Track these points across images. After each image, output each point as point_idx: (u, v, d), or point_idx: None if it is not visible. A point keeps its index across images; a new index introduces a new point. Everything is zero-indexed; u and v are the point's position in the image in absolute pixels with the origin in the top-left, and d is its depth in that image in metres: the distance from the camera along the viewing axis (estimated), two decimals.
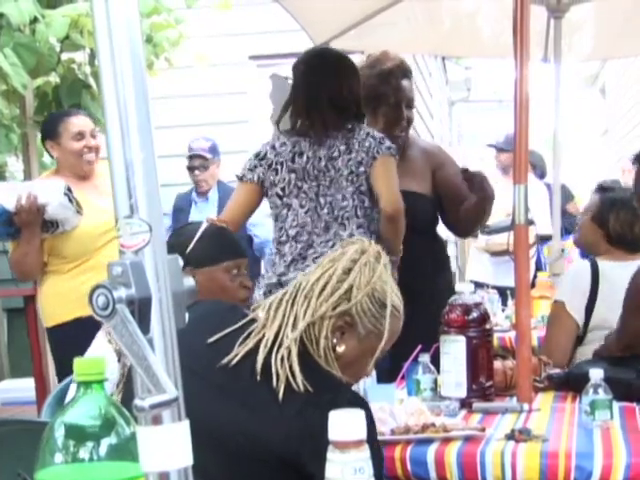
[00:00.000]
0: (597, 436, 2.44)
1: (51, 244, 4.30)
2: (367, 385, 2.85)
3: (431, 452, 2.34)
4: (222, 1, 6.59)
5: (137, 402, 1.02)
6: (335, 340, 2.12)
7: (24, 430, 2.05)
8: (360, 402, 2.09)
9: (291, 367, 2.02)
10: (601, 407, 2.51)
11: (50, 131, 4.49)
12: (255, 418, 2.00)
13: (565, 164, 6.75)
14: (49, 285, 4.35)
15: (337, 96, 3.65)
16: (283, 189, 3.64)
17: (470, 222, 4.11)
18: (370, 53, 4.05)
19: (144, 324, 1.05)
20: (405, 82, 3.96)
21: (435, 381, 2.92)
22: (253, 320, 2.16)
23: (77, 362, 1.25)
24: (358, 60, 4.05)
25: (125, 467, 1.20)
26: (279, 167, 3.64)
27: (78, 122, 4.45)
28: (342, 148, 3.63)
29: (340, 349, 2.13)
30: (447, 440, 2.39)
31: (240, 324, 2.16)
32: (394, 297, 2.19)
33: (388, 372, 3.12)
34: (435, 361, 2.95)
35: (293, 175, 3.64)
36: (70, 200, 4.16)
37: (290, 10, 4.85)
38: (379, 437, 2.36)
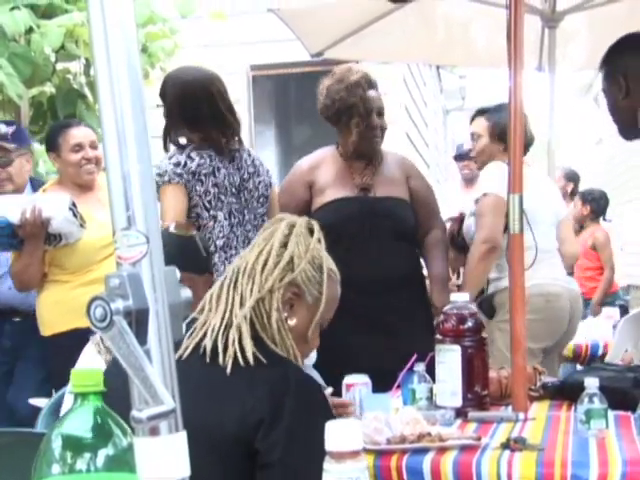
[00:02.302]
0: (592, 445, 2.44)
1: (52, 255, 4.30)
2: (362, 394, 2.85)
3: (427, 461, 2.34)
4: (217, 11, 6.60)
5: (135, 413, 1.03)
6: (286, 313, 2.15)
7: (20, 441, 2.05)
8: (311, 381, 2.12)
9: (241, 343, 2.04)
10: (596, 416, 2.52)
11: (50, 143, 4.50)
12: (210, 404, 2.01)
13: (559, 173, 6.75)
14: (48, 294, 4.34)
15: (221, 114, 3.86)
16: (210, 202, 3.78)
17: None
18: (335, 70, 4.14)
19: (141, 335, 1.05)
20: (372, 92, 4.05)
21: (431, 390, 2.93)
22: (195, 319, 2.17)
23: (74, 373, 1.25)
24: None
25: (122, 478, 1.20)
26: (204, 178, 3.77)
27: (77, 133, 4.44)
28: (251, 170, 3.91)
29: (292, 322, 2.17)
30: (443, 449, 2.39)
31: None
32: (330, 262, 2.26)
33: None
34: (430, 370, 2.95)
35: (216, 189, 3.79)
36: (75, 215, 4.16)
37: (285, 20, 4.86)
38: (375, 447, 2.37)
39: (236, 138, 3.95)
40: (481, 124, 4.63)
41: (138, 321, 1.05)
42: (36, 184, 4.90)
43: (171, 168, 3.74)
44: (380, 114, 4.06)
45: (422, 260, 4.25)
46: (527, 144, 4.72)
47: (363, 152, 4.03)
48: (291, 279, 2.15)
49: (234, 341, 2.04)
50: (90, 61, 5.70)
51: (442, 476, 2.32)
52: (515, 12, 2.99)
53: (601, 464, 2.26)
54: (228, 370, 2.01)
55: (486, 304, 4.23)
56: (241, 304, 2.11)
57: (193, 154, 3.77)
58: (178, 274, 1.11)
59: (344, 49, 5.08)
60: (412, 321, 3.89)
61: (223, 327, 2.07)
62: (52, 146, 4.48)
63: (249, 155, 3.94)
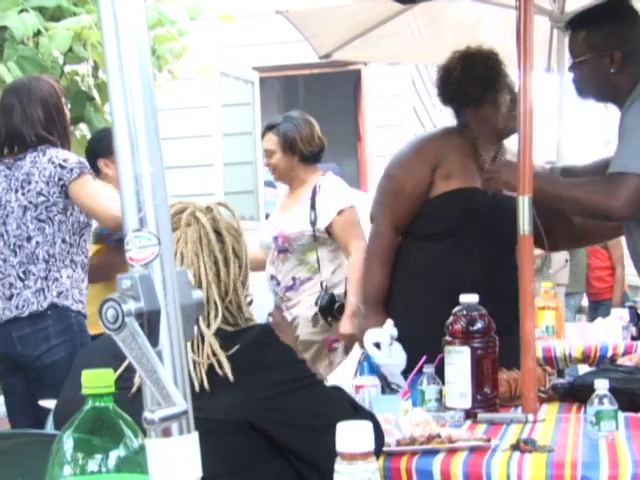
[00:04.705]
0: (603, 446, 2.43)
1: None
2: (372, 396, 2.85)
3: (437, 463, 2.34)
4: (226, 14, 6.61)
5: (147, 415, 1.03)
6: (247, 292, 2.22)
7: (31, 443, 2.05)
8: (270, 332, 2.21)
9: (216, 356, 2.06)
10: (606, 418, 2.51)
11: (106, 148, 4.47)
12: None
13: None
14: (93, 292, 4.36)
15: (13, 123, 4.03)
16: None
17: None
18: (456, 50, 3.80)
19: (153, 337, 1.05)
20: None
21: (440, 392, 2.92)
22: None
23: (85, 374, 1.25)
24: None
25: (134, 479, 1.20)
26: None
27: None
28: (22, 178, 3.97)
29: (252, 294, 2.25)
30: (453, 451, 2.39)
31: None
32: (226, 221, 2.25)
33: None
34: (439, 372, 2.95)
35: None
36: None
37: (293, 22, 4.86)
38: (385, 448, 2.37)
39: (16, 145, 4.07)
40: (271, 140, 4.67)
41: (150, 323, 1.05)
42: None
43: None
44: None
45: None
46: (313, 152, 4.70)
47: (509, 132, 3.63)
48: (241, 266, 2.20)
49: (210, 358, 2.06)
50: (98, 63, 5.71)
51: (452, 477, 2.31)
52: (525, 13, 2.99)
53: (611, 465, 2.25)
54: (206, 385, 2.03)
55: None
56: (208, 323, 2.12)
57: None
58: (191, 276, 1.11)
59: (352, 51, 5.08)
60: (509, 334, 3.56)
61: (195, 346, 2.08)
62: (106, 152, 4.46)
63: (32, 162, 4.00)
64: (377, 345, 3.11)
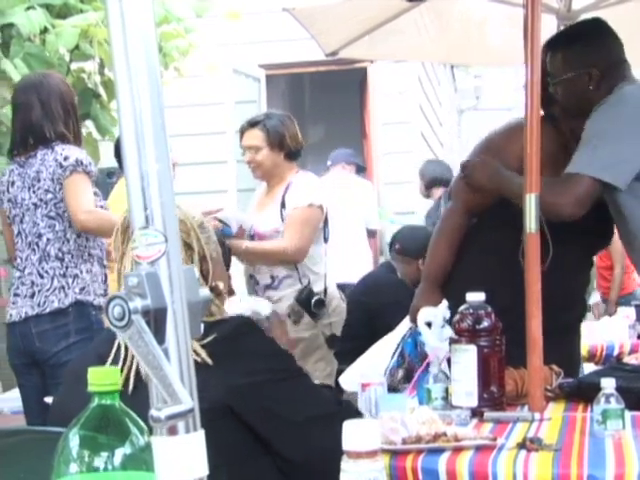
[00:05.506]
0: (609, 445, 2.43)
1: None
2: (378, 394, 2.85)
3: (442, 461, 2.34)
4: (232, 11, 6.61)
5: (153, 412, 1.03)
6: (214, 283, 2.21)
7: (35, 440, 2.05)
8: (251, 324, 2.24)
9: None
10: (613, 416, 2.50)
11: None
12: None
13: None
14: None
15: (32, 119, 4.09)
16: (8, 217, 4.16)
17: None
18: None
19: (159, 334, 1.05)
20: None
21: (446, 390, 2.91)
22: None
23: (91, 372, 1.25)
24: None
25: (140, 477, 1.20)
26: (2, 196, 4.16)
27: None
28: (32, 176, 4.04)
29: (221, 285, 2.23)
30: (458, 449, 2.39)
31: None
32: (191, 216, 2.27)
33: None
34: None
35: (10, 204, 4.12)
36: None
37: (300, 19, 4.85)
38: (390, 447, 2.36)
39: (31, 142, 4.11)
40: (257, 136, 4.58)
41: (156, 320, 1.05)
42: None
43: None
44: None
45: None
46: (297, 149, 4.66)
47: None
48: (199, 257, 2.18)
49: None
50: (104, 61, 5.72)
51: (458, 476, 2.31)
52: (532, 11, 2.99)
53: (617, 464, 2.25)
54: None
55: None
56: None
57: (9, 167, 4.16)
58: (197, 273, 1.11)
59: (359, 48, 5.07)
60: (568, 335, 3.35)
61: None
62: None
63: (41, 159, 4.05)
64: (428, 325, 3.02)
